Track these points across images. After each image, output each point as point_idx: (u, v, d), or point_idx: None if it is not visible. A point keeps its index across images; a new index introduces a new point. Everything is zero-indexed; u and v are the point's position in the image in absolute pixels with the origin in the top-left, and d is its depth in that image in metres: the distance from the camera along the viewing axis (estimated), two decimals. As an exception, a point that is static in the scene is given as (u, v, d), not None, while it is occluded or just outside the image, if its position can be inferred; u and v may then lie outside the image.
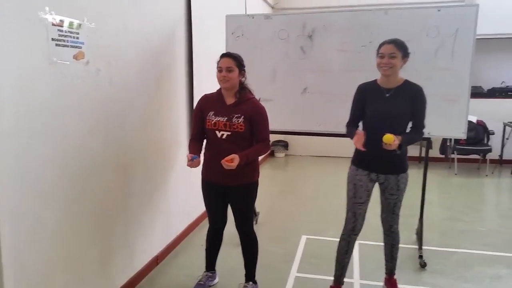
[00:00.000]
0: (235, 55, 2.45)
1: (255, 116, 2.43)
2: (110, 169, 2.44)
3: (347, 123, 2.57)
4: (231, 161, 2.27)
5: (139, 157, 2.78)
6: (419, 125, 2.44)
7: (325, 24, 3.20)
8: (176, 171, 3.35)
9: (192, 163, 2.37)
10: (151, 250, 3.04)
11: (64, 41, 1.98)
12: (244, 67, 2.49)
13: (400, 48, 2.32)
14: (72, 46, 2.04)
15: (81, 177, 2.19)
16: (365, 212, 2.54)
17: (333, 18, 3.20)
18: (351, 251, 2.61)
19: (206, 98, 2.57)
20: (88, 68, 2.17)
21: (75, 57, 2.07)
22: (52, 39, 1.90)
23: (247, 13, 4.79)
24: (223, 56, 2.45)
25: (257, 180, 2.60)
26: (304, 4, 6.67)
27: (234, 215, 2.60)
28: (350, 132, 2.48)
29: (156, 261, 3.09)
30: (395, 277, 2.72)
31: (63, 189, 2.06)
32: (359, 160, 2.51)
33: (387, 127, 2.33)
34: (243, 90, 2.49)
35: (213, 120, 2.45)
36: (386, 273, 2.73)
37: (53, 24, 1.90)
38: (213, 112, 2.46)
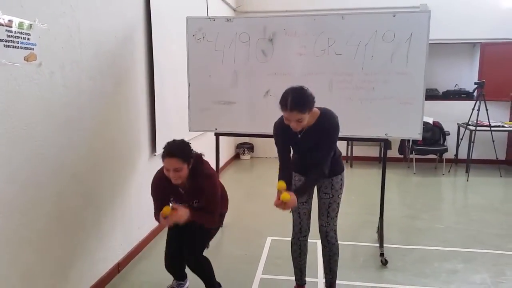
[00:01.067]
0: (178, 151, 2.29)
1: (206, 194, 2.41)
2: (65, 176, 2.35)
3: (279, 167, 2.43)
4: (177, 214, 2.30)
5: (97, 162, 2.70)
6: (321, 160, 2.29)
7: (285, 28, 3.23)
8: (137, 175, 3.28)
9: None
10: (112, 257, 2.96)
11: (13, 42, 1.90)
12: (190, 153, 2.35)
13: (305, 110, 2.13)
14: (23, 48, 1.96)
15: (33, 185, 2.09)
16: (310, 212, 2.56)
17: (293, 22, 3.23)
18: (305, 253, 2.62)
19: (160, 182, 2.43)
20: (40, 71, 2.09)
21: (27, 59, 1.99)
22: (0, 40, 1.82)
23: (208, 15, 4.78)
24: (167, 156, 2.28)
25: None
26: (267, 7, 6.73)
27: (186, 238, 2.55)
28: (279, 175, 2.39)
29: (117, 268, 3.01)
30: None
31: (12, 197, 1.96)
32: (295, 166, 2.52)
33: (307, 158, 2.40)
34: (192, 171, 2.38)
35: (175, 205, 2.45)
36: (325, 286, 2.65)
37: (0, 24, 1.81)
38: (172, 198, 2.48)
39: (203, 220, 2.44)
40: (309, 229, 2.58)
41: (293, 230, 2.59)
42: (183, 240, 2.61)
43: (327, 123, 2.28)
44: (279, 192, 2.20)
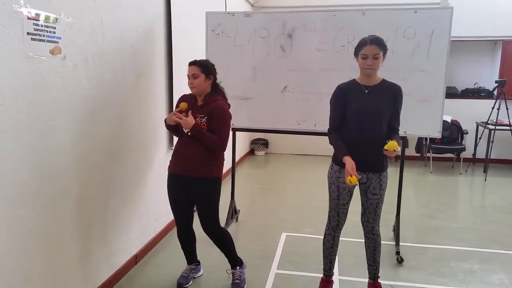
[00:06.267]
0: (201, 62, 2.59)
1: (214, 115, 2.55)
2: (86, 167, 2.40)
3: (330, 129, 2.51)
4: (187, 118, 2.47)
5: (116, 154, 2.74)
6: (398, 124, 2.48)
7: (305, 23, 3.22)
8: (155, 168, 3.32)
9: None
10: (130, 249, 3.01)
11: (40, 35, 1.94)
12: (212, 71, 2.61)
13: (382, 48, 2.34)
14: (48, 41, 2.00)
15: (56, 177, 2.14)
16: (348, 210, 2.59)
17: (312, 18, 3.22)
18: (337, 245, 2.66)
19: (183, 98, 2.71)
20: (65, 64, 2.13)
21: (52, 52, 2.03)
22: (28, 33, 1.86)
23: (227, 10, 4.79)
24: (190, 64, 2.59)
25: (219, 178, 2.67)
26: (284, 3, 6.71)
27: (198, 215, 2.66)
28: (338, 147, 2.42)
29: (135, 260, 3.06)
30: (379, 280, 2.69)
31: (37, 188, 2.01)
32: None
33: (368, 124, 2.38)
34: (215, 92, 2.63)
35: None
36: (369, 277, 2.69)
37: (28, 18, 1.85)
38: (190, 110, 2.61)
39: (210, 140, 2.52)
40: (344, 223, 2.62)
41: (329, 223, 2.62)
42: (189, 221, 2.76)
43: (395, 85, 2.45)
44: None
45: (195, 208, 2.71)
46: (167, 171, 2.69)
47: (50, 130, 2.07)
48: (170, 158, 2.70)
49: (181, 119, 2.48)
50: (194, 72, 2.55)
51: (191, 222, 2.77)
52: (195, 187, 2.60)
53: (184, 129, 2.55)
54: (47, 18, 1.97)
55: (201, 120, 2.55)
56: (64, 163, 2.19)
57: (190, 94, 2.69)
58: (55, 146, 2.11)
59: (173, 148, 2.73)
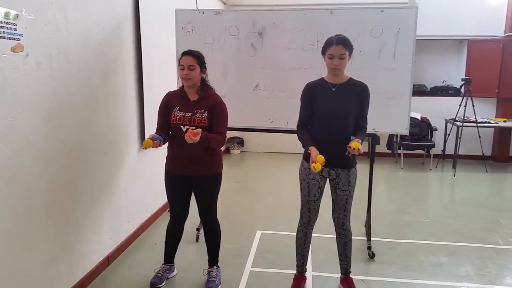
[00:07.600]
0: (196, 53, 2.53)
1: (216, 110, 2.54)
2: (53, 168, 2.34)
3: (298, 125, 2.58)
4: (195, 135, 2.33)
5: (84, 154, 2.68)
6: (365, 122, 2.53)
7: (275, 22, 3.23)
8: (126, 168, 3.27)
9: (154, 143, 2.41)
10: (102, 251, 2.95)
11: (-1, 32, 1.88)
12: (205, 64, 2.58)
13: (348, 48, 2.39)
14: (9, 38, 1.94)
15: (21, 178, 2.08)
16: (319, 207, 2.63)
17: (282, 17, 3.24)
18: (309, 241, 2.70)
19: (170, 96, 2.66)
20: (27, 61, 2.07)
21: (13, 49, 1.97)
22: (-14, 30, 1.80)
23: (198, 8, 4.75)
24: (185, 54, 2.52)
25: (221, 172, 2.72)
26: (257, 1, 6.71)
27: (198, 205, 2.70)
28: (304, 140, 2.50)
29: (107, 261, 3.01)
30: (351, 275, 2.74)
31: (1, 190, 1.95)
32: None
33: (335, 121, 2.43)
34: (205, 86, 2.60)
35: (178, 115, 2.54)
36: (341, 273, 2.75)
37: (-14, 14, 1.80)
38: (178, 108, 2.56)
39: (215, 141, 2.52)
40: (316, 219, 2.66)
41: (301, 220, 2.67)
42: (185, 217, 2.79)
43: (361, 84, 2.49)
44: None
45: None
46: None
47: (13, 129, 2.01)
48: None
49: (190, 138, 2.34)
50: (192, 63, 2.48)
51: (186, 218, 2.79)
52: (201, 184, 2.63)
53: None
54: (7, 15, 1.91)
55: (202, 116, 2.51)
56: (29, 163, 2.13)
57: (176, 91, 2.65)
58: (19, 146, 2.05)
59: (168, 149, 2.67)
